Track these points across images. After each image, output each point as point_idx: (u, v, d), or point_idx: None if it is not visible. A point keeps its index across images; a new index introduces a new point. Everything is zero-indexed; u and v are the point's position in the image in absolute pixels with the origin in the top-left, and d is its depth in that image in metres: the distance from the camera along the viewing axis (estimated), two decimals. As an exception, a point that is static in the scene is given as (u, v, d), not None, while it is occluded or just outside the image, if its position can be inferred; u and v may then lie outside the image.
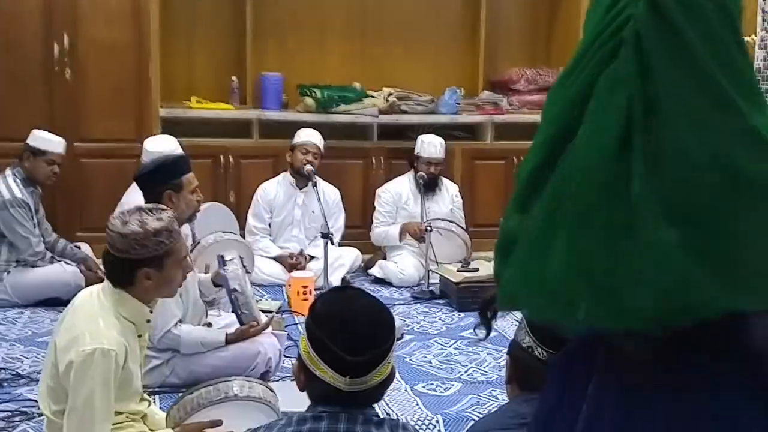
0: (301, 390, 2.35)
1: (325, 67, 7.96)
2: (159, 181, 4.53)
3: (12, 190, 6.10)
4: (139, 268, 3.18)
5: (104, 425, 3.06)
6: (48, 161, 6.22)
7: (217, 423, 3.29)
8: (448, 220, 7.03)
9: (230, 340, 4.62)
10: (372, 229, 7.27)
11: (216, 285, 4.93)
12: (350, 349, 2.23)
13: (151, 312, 3.30)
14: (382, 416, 2.35)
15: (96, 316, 3.14)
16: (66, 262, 6.29)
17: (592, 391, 1.44)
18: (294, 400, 2.45)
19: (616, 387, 1.40)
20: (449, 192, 7.29)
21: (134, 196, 4.84)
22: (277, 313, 5.91)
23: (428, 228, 6.58)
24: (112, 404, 3.09)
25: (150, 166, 4.72)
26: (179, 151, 5.97)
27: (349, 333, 2.26)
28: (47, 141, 6.24)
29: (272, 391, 3.59)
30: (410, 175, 7.24)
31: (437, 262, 6.73)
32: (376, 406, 2.35)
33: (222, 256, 4.81)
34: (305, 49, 8.00)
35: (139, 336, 3.27)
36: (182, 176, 4.59)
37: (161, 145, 6.10)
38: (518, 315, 4.61)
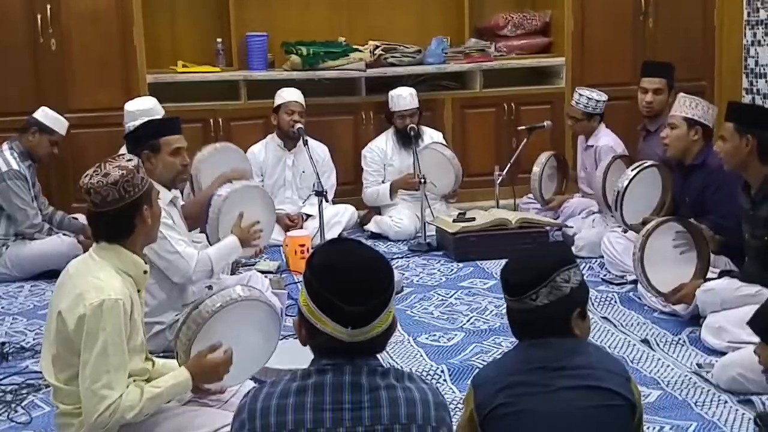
0: (304, 344, 2.34)
1: (309, 23, 7.87)
2: (138, 141, 4.55)
3: (9, 162, 6.17)
4: (138, 209, 3.21)
5: (120, 374, 3.06)
6: (53, 141, 6.35)
7: (216, 346, 3.30)
8: (444, 145, 7.07)
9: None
10: (363, 191, 7.27)
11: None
12: (349, 299, 2.22)
13: (146, 263, 3.31)
14: (387, 366, 2.34)
15: (95, 273, 3.15)
16: (64, 234, 6.32)
17: None
18: (298, 357, 2.43)
19: None
20: (433, 140, 7.22)
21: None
22: (275, 273, 5.93)
23: (422, 180, 6.56)
24: (127, 354, 3.09)
25: (135, 126, 4.72)
26: (158, 109, 6.01)
27: (347, 283, 2.24)
28: (57, 121, 6.36)
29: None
30: (390, 131, 7.22)
31: (430, 210, 6.70)
32: (380, 358, 2.34)
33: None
34: (289, 6, 7.91)
35: (138, 291, 3.27)
36: (161, 137, 4.59)
37: (141, 104, 6.13)
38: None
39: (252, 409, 2.27)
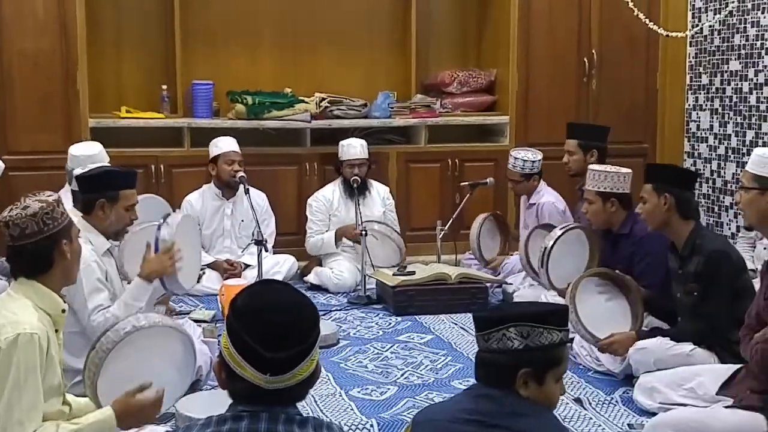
0: (223, 388, 2.28)
1: (257, 74, 7.90)
2: (97, 187, 4.50)
3: None
4: (57, 244, 3.17)
5: (32, 412, 2.98)
6: None
7: (146, 385, 3.22)
8: (382, 223, 7.00)
9: (143, 274, 4.56)
10: (306, 240, 7.22)
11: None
12: (269, 345, 2.16)
13: (65, 302, 3.25)
14: (306, 415, 2.29)
15: (11, 309, 3.09)
16: (-6, 276, 6.19)
17: None
18: (224, 406, 2.37)
19: None
20: (380, 194, 7.26)
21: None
22: (210, 322, 5.85)
23: (363, 232, 6.55)
24: (41, 391, 3.02)
25: (94, 171, 4.69)
26: (103, 155, 5.92)
27: (269, 328, 2.19)
28: None
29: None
30: (338, 181, 7.20)
31: (373, 266, 6.70)
32: (307, 408, 2.29)
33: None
34: (236, 56, 7.94)
35: (56, 331, 3.20)
36: (121, 189, 4.56)
37: (86, 150, 6.01)
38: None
39: (163, 455, 2.21)
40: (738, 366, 4.14)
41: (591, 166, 5.61)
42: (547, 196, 6.72)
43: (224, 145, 6.93)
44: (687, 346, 4.58)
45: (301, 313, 2.26)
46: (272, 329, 2.20)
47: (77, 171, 5.02)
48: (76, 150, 6.05)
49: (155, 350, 3.38)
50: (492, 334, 2.61)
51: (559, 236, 5.56)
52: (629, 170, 5.48)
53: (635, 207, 5.12)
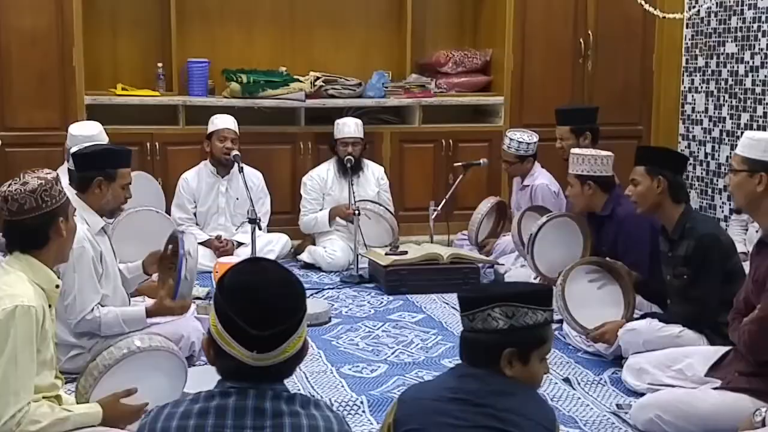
0: (212, 364, 2.31)
1: (252, 53, 7.90)
2: (94, 165, 4.51)
3: None
4: (54, 221, 3.21)
5: (27, 382, 3.03)
6: None
7: (132, 391, 3.30)
8: (375, 203, 7.03)
9: (150, 312, 4.55)
10: (300, 218, 7.24)
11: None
12: (256, 323, 2.18)
13: (58, 278, 3.30)
14: (293, 392, 2.31)
15: (7, 282, 3.13)
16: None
17: None
18: (214, 382, 2.40)
19: None
20: (375, 174, 7.28)
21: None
22: (204, 299, 5.88)
23: (356, 211, 6.57)
24: (35, 363, 3.07)
25: (91, 148, 4.69)
26: (103, 136, 5.94)
27: (255, 306, 2.20)
28: None
29: (170, 340, 3.66)
30: (333, 160, 7.21)
31: (366, 245, 6.72)
32: (301, 386, 2.31)
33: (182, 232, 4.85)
34: (232, 34, 7.93)
35: (50, 306, 3.24)
36: (118, 168, 4.58)
37: (85, 130, 6.03)
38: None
39: (152, 430, 2.23)
40: (727, 348, 4.17)
41: (572, 150, 5.63)
42: (540, 178, 6.72)
43: (219, 122, 6.95)
44: (676, 328, 4.60)
45: (287, 291, 2.28)
46: (258, 307, 2.21)
47: (74, 149, 5.04)
48: (76, 129, 6.06)
49: (151, 370, 3.46)
50: (476, 314, 2.62)
51: (545, 223, 5.59)
52: (610, 153, 5.50)
53: (620, 189, 5.14)
